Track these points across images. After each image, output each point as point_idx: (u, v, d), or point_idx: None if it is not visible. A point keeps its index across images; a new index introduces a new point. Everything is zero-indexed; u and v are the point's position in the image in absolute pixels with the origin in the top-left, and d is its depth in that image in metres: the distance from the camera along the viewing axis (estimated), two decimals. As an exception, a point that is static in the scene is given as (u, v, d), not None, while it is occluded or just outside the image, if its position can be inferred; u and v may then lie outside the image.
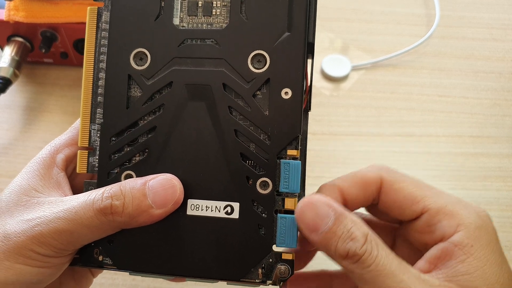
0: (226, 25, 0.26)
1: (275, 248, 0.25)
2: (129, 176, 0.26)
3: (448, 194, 0.25)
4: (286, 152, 0.25)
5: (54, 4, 0.47)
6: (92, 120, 0.27)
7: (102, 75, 0.27)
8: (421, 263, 0.24)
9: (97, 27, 0.27)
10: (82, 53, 0.49)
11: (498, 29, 0.59)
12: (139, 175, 0.26)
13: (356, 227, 0.23)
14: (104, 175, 0.27)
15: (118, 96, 0.27)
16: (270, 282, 0.25)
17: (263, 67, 0.26)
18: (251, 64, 0.26)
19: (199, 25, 0.27)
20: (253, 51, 0.26)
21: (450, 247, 0.23)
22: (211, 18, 0.27)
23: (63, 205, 0.25)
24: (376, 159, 0.48)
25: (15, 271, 0.24)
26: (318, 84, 0.54)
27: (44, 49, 0.48)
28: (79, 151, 0.27)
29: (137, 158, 0.27)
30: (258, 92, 0.26)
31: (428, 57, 0.56)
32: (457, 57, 0.56)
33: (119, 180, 0.26)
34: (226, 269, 0.25)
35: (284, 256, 0.25)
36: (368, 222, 0.29)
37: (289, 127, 0.25)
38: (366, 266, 0.22)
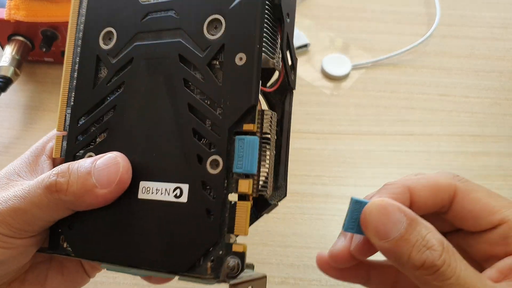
0: None
1: (227, 238, 0.22)
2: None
3: None
4: (242, 127, 0.22)
5: (54, 3, 0.47)
6: (68, 104, 0.27)
7: (78, 59, 0.27)
8: (491, 272, 0.23)
9: (79, 13, 0.27)
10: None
11: (499, 28, 0.59)
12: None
13: (431, 235, 0.21)
14: (70, 158, 0.26)
15: (86, 77, 0.26)
16: (219, 279, 0.21)
17: (218, 33, 0.23)
18: (207, 31, 0.23)
19: None
20: (209, 16, 0.23)
21: None
22: None
23: (23, 184, 0.25)
24: (376, 158, 0.48)
25: None
26: (319, 83, 0.54)
27: (44, 48, 0.49)
28: (56, 136, 0.27)
29: (100, 139, 0.26)
30: (215, 62, 0.23)
31: (429, 56, 0.56)
32: (457, 56, 0.56)
33: None
34: (171, 260, 0.22)
35: (235, 248, 0.21)
36: None
37: (242, 97, 0.22)
38: (446, 278, 0.20)
